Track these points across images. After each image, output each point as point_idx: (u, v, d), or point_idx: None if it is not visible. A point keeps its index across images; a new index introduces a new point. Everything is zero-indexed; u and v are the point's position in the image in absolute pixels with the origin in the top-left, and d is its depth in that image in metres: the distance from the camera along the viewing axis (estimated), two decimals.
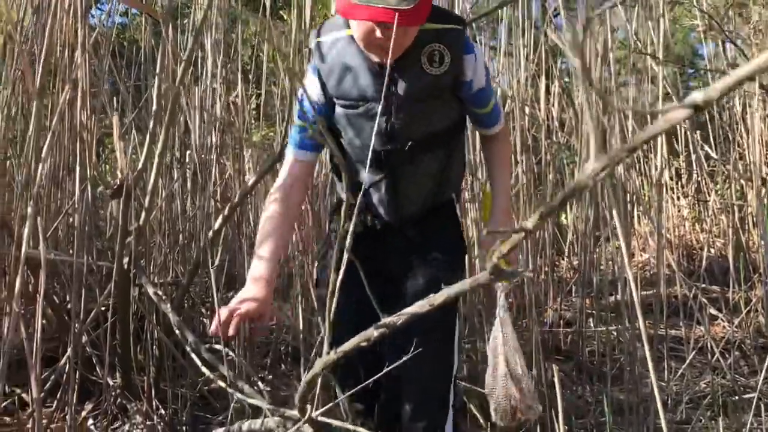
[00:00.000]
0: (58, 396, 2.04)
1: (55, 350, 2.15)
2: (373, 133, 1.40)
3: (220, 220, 2.23)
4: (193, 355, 1.62)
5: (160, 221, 2.54)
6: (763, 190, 3.18)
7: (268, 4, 2.63)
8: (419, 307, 0.85)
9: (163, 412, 2.15)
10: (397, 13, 1.33)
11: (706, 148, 3.95)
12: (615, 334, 2.70)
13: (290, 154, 1.60)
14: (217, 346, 1.67)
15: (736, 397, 2.39)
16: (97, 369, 2.20)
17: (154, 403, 2.13)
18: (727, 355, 2.62)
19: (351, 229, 1.07)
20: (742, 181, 3.63)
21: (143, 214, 2.07)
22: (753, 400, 1.84)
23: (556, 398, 1.05)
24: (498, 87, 3.18)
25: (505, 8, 2.94)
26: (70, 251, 2.23)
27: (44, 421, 1.85)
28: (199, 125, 2.72)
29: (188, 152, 2.74)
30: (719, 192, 3.93)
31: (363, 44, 1.45)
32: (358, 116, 1.53)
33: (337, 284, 1.02)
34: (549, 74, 3.03)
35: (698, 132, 3.86)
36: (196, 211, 2.68)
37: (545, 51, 2.99)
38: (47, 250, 1.75)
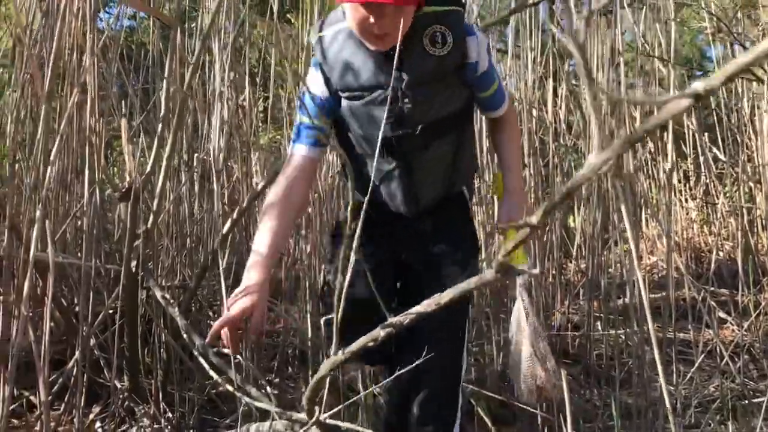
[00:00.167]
0: (66, 399, 2.04)
1: (63, 353, 2.16)
2: (383, 121, 1.40)
3: (228, 223, 2.23)
4: (201, 359, 1.62)
5: (168, 224, 2.54)
6: None
7: (275, 7, 2.63)
8: (426, 306, 0.85)
9: (170, 415, 2.15)
10: None
11: (715, 150, 3.93)
12: (623, 337, 2.69)
13: (294, 149, 1.59)
14: (225, 350, 1.67)
15: (746, 401, 2.37)
16: (105, 372, 2.20)
17: (161, 407, 2.14)
18: (736, 359, 2.61)
19: (361, 216, 1.07)
20: (751, 184, 3.62)
21: (151, 217, 2.07)
22: (762, 404, 1.83)
23: (563, 402, 1.05)
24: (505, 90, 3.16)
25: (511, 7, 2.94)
26: (79, 254, 2.23)
27: (52, 424, 1.86)
28: (207, 129, 2.73)
29: (196, 155, 2.75)
30: (728, 194, 3.91)
31: (358, 32, 1.45)
32: (364, 106, 1.52)
33: (344, 287, 1.01)
34: (556, 77, 3.03)
35: (706, 134, 3.84)
36: (203, 214, 2.68)
37: (552, 53, 2.98)
38: (55, 253, 1.75)
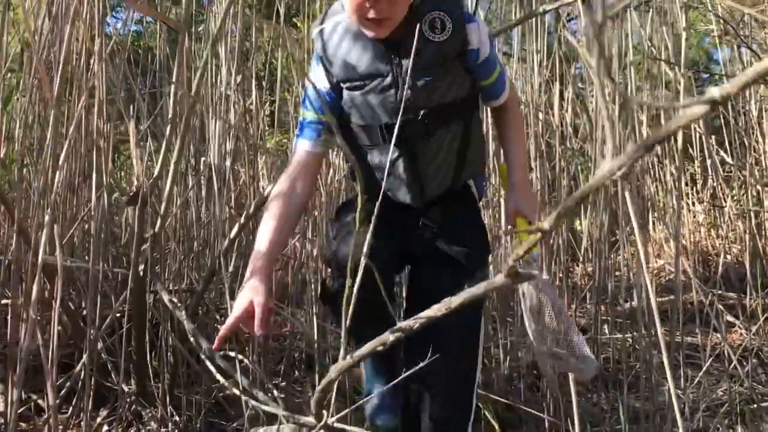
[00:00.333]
0: (74, 402, 2.04)
1: (70, 357, 2.16)
2: (384, 109, 1.39)
3: (235, 228, 2.23)
4: (208, 362, 1.62)
5: (175, 228, 2.55)
6: None
7: (281, 11, 2.64)
8: (436, 310, 0.84)
9: (177, 418, 2.16)
10: None
11: (722, 153, 3.92)
12: (631, 341, 2.68)
13: (298, 145, 1.59)
14: (232, 353, 1.67)
15: (754, 405, 2.36)
16: (113, 375, 2.20)
17: (168, 410, 2.14)
18: (744, 363, 2.59)
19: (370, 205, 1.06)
20: (759, 187, 3.60)
21: (158, 221, 2.08)
22: None
23: (571, 406, 1.05)
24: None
25: (517, 13, 2.93)
26: (86, 258, 2.24)
27: (60, 428, 1.86)
28: (214, 133, 2.73)
29: (203, 159, 2.75)
30: (735, 198, 3.89)
31: (356, 18, 1.45)
32: (366, 95, 1.52)
33: (355, 289, 1.01)
34: (563, 80, 3.02)
35: (713, 137, 3.83)
36: (210, 218, 2.69)
37: (559, 57, 2.98)
38: (63, 256, 1.76)
